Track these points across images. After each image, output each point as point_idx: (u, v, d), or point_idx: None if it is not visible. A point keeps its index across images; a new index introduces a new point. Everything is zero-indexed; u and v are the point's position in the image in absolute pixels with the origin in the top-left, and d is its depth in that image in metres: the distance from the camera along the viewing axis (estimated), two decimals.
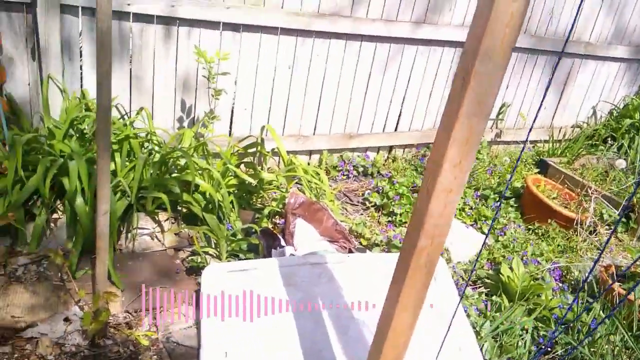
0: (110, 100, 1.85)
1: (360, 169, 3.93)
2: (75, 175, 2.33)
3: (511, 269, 2.64)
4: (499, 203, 3.57)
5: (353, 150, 4.06)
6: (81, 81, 2.99)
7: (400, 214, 3.27)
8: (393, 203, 3.31)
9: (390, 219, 3.32)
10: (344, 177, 3.85)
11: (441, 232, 1.31)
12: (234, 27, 3.26)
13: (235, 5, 3.17)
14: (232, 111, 3.50)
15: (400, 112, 4.17)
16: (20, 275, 2.27)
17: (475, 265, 2.76)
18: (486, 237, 1.62)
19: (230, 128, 3.53)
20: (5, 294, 2.16)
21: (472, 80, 1.11)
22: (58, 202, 2.54)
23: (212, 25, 3.19)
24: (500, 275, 2.63)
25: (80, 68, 2.97)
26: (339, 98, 3.83)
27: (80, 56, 2.94)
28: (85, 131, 2.83)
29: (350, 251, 2.83)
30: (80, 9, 2.81)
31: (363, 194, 3.63)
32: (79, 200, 2.33)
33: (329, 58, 3.65)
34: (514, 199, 3.76)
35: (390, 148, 4.29)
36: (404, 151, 4.36)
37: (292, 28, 3.41)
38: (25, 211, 2.42)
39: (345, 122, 3.94)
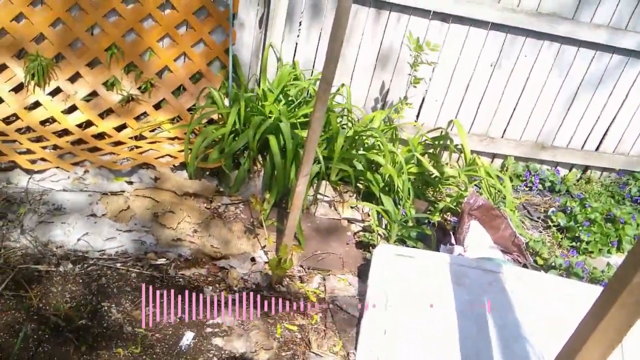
0: (333, 76, 1.98)
1: (547, 184, 3.64)
2: (281, 136, 2.58)
3: None
4: None
5: (542, 162, 3.77)
6: (294, 53, 3.26)
7: (587, 242, 2.96)
8: (581, 228, 3.01)
9: (574, 244, 3.03)
10: (527, 189, 3.61)
11: None
12: (444, 17, 3.23)
13: None
14: (423, 100, 3.50)
15: (607, 131, 3.73)
16: (221, 212, 2.62)
17: None
18: None
19: (418, 116, 3.55)
20: (208, 226, 2.51)
21: None
22: (259, 156, 2.84)
23: (422, 13, 3.20)
24: None
25: (296, 41, 3.23)
26: (539, 104, 3.57)
27: (298, 30, 3.21)
28: (291, 98, 3.10)
29: (524, 266, 2.67)
30: None
31: (546, 211, 3.36)
32: (280, 158, 2.58)
33: (537, 61, 3.42)
34: None
35: (586, 168, 3.88)
36: (601, 174, 3.91)
37: (505, 24, 3.26)
38: (232, 159, 2.77)
39: (539, 131, 3.67)
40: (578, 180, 3.83)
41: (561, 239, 3.09)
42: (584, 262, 2.71)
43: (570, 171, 3.85)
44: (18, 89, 2.91)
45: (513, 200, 3.14)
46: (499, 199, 3.14)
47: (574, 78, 3.50)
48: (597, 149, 3.80)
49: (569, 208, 3.18)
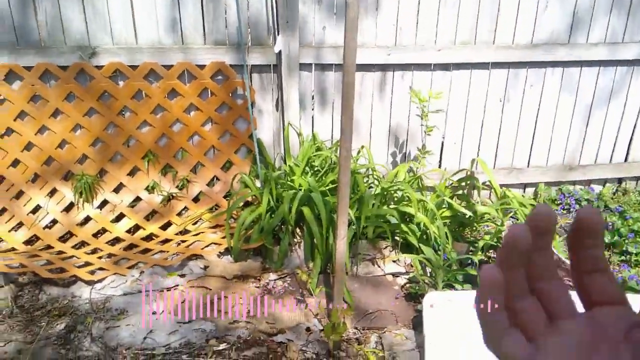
0: (351, 142, 2.14)
1: (583, 203, 3.63)
2: (314, 206, 2.72)
3: None
4: None
5: (574, 182, 3.78)
6: (312, 125, 3.48)
7: (636, 254, 2.92)
8: (626, 241, 2.98)
9: (623, 258, 2.98)
10: (564, 212, 3.60)
11: None
12: (445, 67, 3.42)
13: (446, 47, 3.33)
14: (442, 145, 3.62)
15: (631, 140, 3.75)
16: (270, 288, 2.73)
17: None
18: None
19: (440, 161, 3.66)
20: (261, 304, 2.61)
21: None
22: (297, 228, 2.97)
23: (423, 67, 3.40)
24: None
25: (312, 114, 3.46)
26: (557, 128, 3.64)
27: (312, 105, 3.44)
28: (316, 168, 3.28)
29: None
30: (313, 65, 3.30)
31: None
32: (317, 227, 2.71)
33: (544, 88, 3.54)
34: None
35: (620, 180, 3.86)
36: (637, 183, 3.88)
37: (504, 61, 3.42)
38: (272, 235, 2.91)
39: (563, 153, 3.72)
40: (614, 194, 3.80)
41: (610, 255, 3.05)
42: (637, 275, 2.67)
43: (604, 186, 3.83)
44: (69, 208, 3.18)
45: None
46: None
47: (585, 96, 3.59)
48: (625, 159, 3.79)
49: (611, 223, 3.15)
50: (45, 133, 3.12)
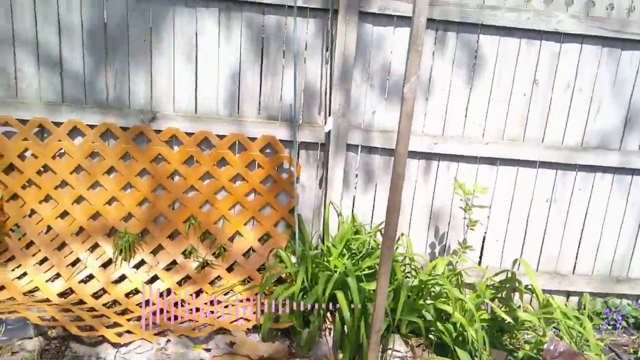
0: (395, 233, 2.12)
1: (631, 320, 3.42)
2: (349, 291, 2.66)
3: None
4: None
5: (621, 296, 3.58)
6: (353, 206, 3.48)
7: None
8: None
9: None
10: (610, 328, 3.39)
11: None
12: (491, 161, 3.40)
13: (494, 141, 3.34)
14: (483, 241, 3.54)
15: None
16: None
17: None
18: None
19: (480, 258, 3.55)
20: None
21: None
22: (328, 312, 2.89)
23: (469, 159, 3.40)
24: None
25: (354, 194, 3.46)
26: (605, 235, 3.52)
27: (355, 185, 3.46)
28: (353, 251, 3.23)
29: None
30: (359, 147, 3.36)
31: (635, 352, 3.11)
32: (349, 315, 2.63)
33: (593, 192, 3.46)
34: None
35: None
36: None
37: (552, 162, 3.38)
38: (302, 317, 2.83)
39: (611, 262, 3.56)
40: None
41: None
42: None
43: None
44: (106, 264, 3.21)
45: (597, 342, 2.95)
46: (582, 341, 2.96)
47: (636, 204, 3.48)
48: None
49: None
50: (97, 189, 3.23)
